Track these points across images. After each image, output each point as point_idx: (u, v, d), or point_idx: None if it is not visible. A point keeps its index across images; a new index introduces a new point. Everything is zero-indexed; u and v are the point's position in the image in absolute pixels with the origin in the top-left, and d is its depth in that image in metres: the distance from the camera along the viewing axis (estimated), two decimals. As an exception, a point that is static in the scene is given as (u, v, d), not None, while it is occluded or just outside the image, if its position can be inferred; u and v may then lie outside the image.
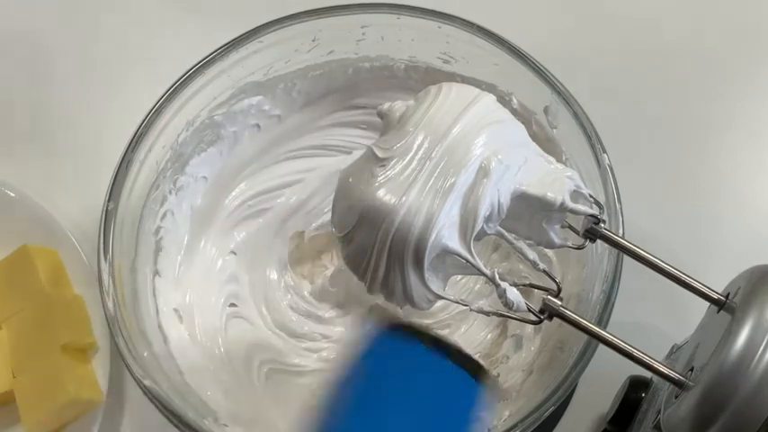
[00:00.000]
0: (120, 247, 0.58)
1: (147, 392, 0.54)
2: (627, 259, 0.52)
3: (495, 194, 0.46)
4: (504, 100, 0.64)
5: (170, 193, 0.64)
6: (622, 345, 0.47)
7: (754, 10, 0.78)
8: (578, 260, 0.61)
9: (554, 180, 0.47)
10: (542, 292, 0.48)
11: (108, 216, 0.58)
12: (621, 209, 0.57)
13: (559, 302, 0.47)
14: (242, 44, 0.62)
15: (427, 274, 0.46)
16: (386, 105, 0.49)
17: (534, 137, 0.63)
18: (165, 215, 0.63)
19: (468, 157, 0.46)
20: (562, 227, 0.49)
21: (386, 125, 0.49)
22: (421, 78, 0.66)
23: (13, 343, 0.65)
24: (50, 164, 0.73)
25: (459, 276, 0.64)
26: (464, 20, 0.62)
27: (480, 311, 0.49)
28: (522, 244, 0.48)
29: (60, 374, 0.62)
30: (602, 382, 0.61)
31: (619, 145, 0.60)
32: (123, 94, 0.74)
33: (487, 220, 0.46)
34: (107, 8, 0.78)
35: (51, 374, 0.63)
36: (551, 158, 0.49)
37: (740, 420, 0.42)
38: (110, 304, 0.56)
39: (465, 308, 0.50)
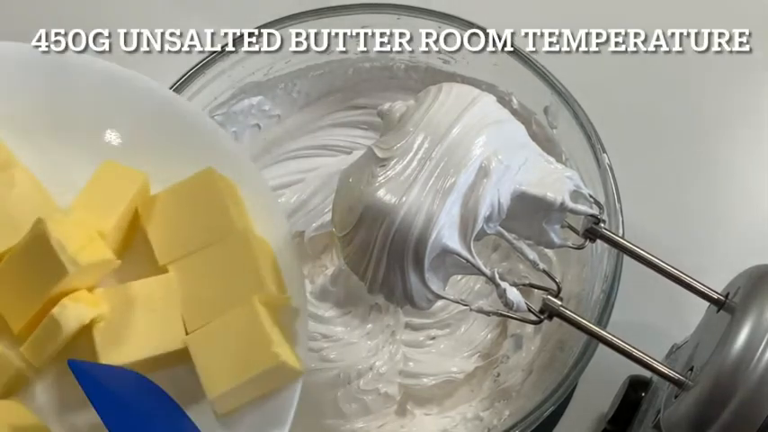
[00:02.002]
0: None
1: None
2: (627, 259, 0.52)
3: (496, 194, 0.46)
4: (504, 100, 0.64)
5: (170, 192, 0.64)
6: (622, 344, 0.47)
7: (755, 9, 0.78)
8: (578, 260, 0.61)
9: (554, 180, 0.47)
10: (542, 291, 0.48)
11: (108, 216, 0.58)
12: (621, 209, 0.57)
13: (559, 302, 0.47)
14: (242, 44, 0.62)
15: (427, 274, 0.46)
16: (386, 105, 0.49)
17: (534, 137, 0.64)
18: (165, 215, 0.63)
19: (468, 157, 0.46)
20: (562, 227, 0.49)
21: (386, 125, 0.49)
22: (421, 78, 0.67)
23: (188, 289, 0.50)
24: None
25: (459, 276, 0.64)
26: (464, 20, 0.62)
27: (480, 311, 0.49)
28: (521, 244, 0.48)
29: (261, 333, 0.48)
30: (602, 382, 0.61)
31: (619, 145, 0.60)
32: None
33: (487, 220, 0.46)
34: (107, 8, 0.78)
35: (246, 332, 0.48)
36: (551, 158, 0.49)
37: (740, 420, 0.42)
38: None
39: (465, 308, 0.50)
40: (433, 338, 0.65)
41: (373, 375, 0.63)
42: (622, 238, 0.50)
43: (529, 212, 0.48)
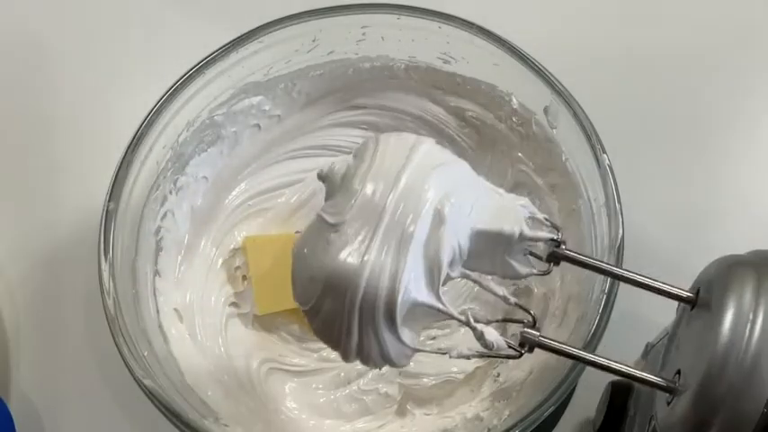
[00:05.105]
0: (120, 247, 0.58)
1: (148, 392, 0.54)
2: (626, 258, 0.52)
3: (454, 238, 0.45)
4: (504, 100, 0.64)
5: (170, 193, 0.64)
6: (607, 363, 0.46)
7: (754, 9, 0.78)
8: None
9: (508, 212, 0.47)
10: (519, 324, 0.47)
11: (108, 216, 0.58)
12: (621, 209, 0.57)
13: (537, 333, 0.47)
14: (242, 44, 0.62)
15: (401, 331, 0.46)
16: (325, 168, 0.48)
17: (534, 137, 0.64)
18: (165, 215, 0.63)
19: (421, 205, 0.45)
20: (524, 255, 0.49)
21: (330, 187, 0.48)
22: (421, 78, 0.67)
23: None
24: (50, 164, 0.73)
25: (459, 279, 0.64)
26: (464, 20, 0.62)
27: (461, 357, 0.48)
28: (488, 282, 0.48)
29: None
30: (601, 383, 0.61)
31: (619, 145, 0.60)
32: (123, 94, 0.74)
33: (450, 263, 0.46)
34: (107, 8, 0.78)
35: None
36: (501, 190, 0.48)
37: (738, 416, 0.42)
38: (110, 304, 0.56)
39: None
40: (434, 338, 0.65)
41: (373, 375, 0.63)
42: (583, 255, 0.49)
43: (489, 248, 0.47)
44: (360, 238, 0.44)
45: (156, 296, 0.62)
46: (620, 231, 0.56)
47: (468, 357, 0.48)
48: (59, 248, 0.68)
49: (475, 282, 0.48)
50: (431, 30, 0.63)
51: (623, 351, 0.51)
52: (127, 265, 0.59)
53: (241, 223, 0.68)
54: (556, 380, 0.54)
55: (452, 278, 0.47)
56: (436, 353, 0.49)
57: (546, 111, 0.62)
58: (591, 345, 0.53)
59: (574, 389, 0.56)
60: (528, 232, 0.47)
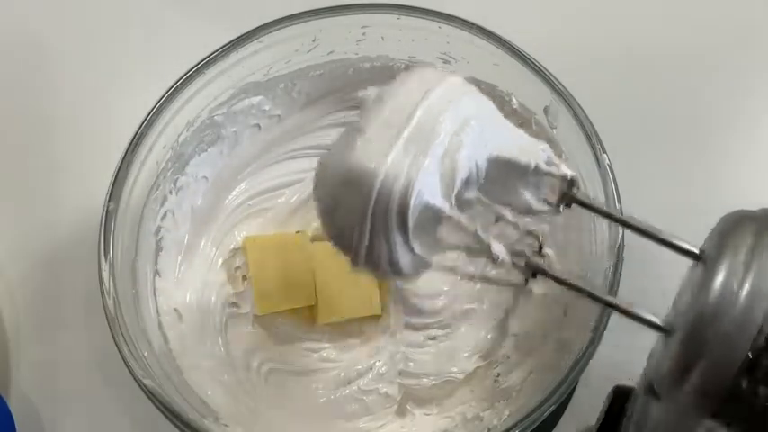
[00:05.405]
0: (120, 247, 0.58)
1: (148, 392, 0.54)
2: (626, 258, 0.52)
3: (472, 157, 0.46)
4: (504, 100, 0.64)
5: (170, 193, 0.64)
6: (603, 296, 0.47)
7: (754, 9, 0.78)
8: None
9: (528, 145, 0.49)
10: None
11: (108, 216, 0.58)
12: (621, 209, 0.57)
13: (542, 260, 0.48)
14: (242, 44, 0.62)
15: (412, 236, 0.46)
16: (361, 93, 0.50)
17: (534, 137, 0.64)
18: (165, 215, 0.63)
19: (442, 122, 0.46)
20: (539, 197, 0.50)
21: (362, 107, 0.49)
22: (421, 78, 0.67)
23: None
24: (50, 164, 0.73)
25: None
26: (464, 20, 0.62)
27: (464, 276, 0.49)
28: (500, 208, 0.49)
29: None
30: (602, 383, 0.61)
31: (619, 145, 0.60)
32: (123, 94, 0.74)
33: (466, 183, 0.46)
34: (107, 8, 0.78)
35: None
36: (521, 132, 0.50)
37: (724, 353, 0.41)
38: (110, 304, 0.56)
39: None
40: (434, 338, 0.65)
41: (373, 375, 0.63)
42: (594, 201, 0.51)
43: (504, 176, 0.48)
44: (381, 144, 0.45)
45: (156, 296, 0.62)
46: (620, 231, 0.56)
47: (472, 278, 0.49)
48: (59, 248, 0.68)
49: (489, 206, 0.48)
50: (431, 30, 0.63)
51: (624, 351, 0.51)
52: (127, 265, 0.59)
53: (241, 223, 0.68)
54: (556, 380, 0.54)
55: (467, 199, 0.47)
56: (444, 270, 0.49)
57: (546, 111, 0.62)
58: (591, 344, 0.54)
59: (574, 389, 0.56)
60: (544, 166, 0.48)
